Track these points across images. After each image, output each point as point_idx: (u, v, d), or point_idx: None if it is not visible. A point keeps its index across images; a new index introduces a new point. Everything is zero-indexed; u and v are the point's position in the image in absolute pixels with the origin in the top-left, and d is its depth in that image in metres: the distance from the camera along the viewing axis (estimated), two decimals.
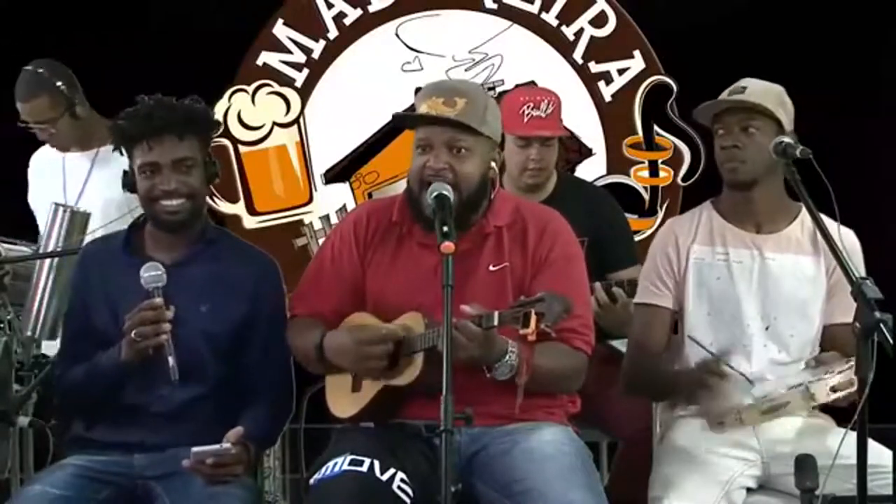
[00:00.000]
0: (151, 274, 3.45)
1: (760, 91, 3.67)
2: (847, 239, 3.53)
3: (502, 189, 3.67)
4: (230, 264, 3.63)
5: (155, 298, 3.43)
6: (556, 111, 4.48)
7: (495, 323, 3.19)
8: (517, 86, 5.92)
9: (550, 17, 6.09)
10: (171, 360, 3.41)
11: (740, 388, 3.54)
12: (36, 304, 4.22)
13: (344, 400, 3.49)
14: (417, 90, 3.61)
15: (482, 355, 3.24)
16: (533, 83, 5.92)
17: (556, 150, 4.53)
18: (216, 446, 3.34)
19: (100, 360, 3.51)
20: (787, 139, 3.53)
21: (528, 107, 4.43)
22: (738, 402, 3.51)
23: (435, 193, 3.37)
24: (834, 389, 3.34)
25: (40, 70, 4.91)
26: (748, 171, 3.63)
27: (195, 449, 3.34)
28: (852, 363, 3.30)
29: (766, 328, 3.65)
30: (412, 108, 3.56)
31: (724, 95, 3.69)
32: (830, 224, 3.48)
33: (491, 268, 3.48)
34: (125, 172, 3.61)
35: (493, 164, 3.51)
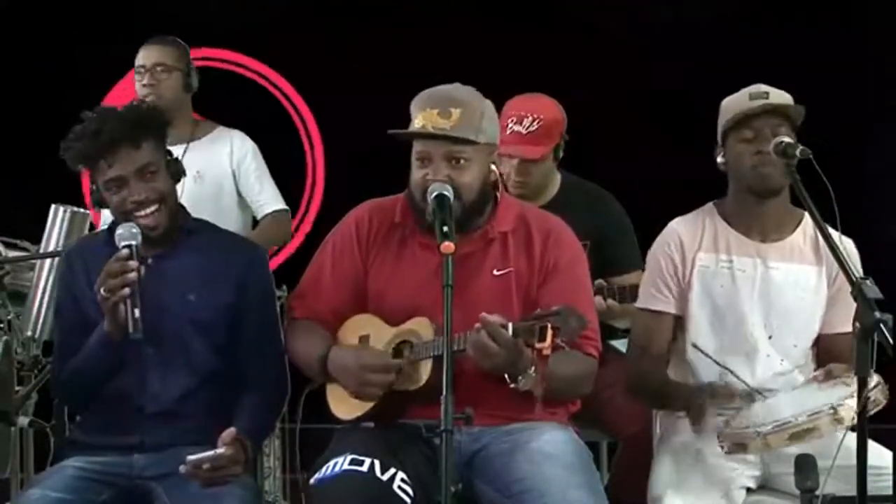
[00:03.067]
0: (123, 232, 3.41)
1: (780, 95, 3.65)
2: (847, 248, 3.53)
3: (507, 194, 3.67)
4: (214, 253, 3.61)
5: (121, 251, 3.39)
6: (542, 128, 4.36)
7: (509, 334, 3.18)
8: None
9: None
10: (135, 311, 3.33)
11: (751, 409, 3.48)
12: (36, 304, 4.23)
13: (346, 402, 3.49)
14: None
15: (511, 363, 3.22)
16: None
17: (545, 166, 4.46)
18: (211, 452, 3.32)
19: (89, 342, 3.48)
20: (786, 139, 3.53)
21: (511, 120, 4.35)
22: (757, 424, 3.38)
23: (435, 193, 3.37)
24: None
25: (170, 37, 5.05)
26: (779, 178, 3.58)
27: (190, 457, 3.32)
28: (873, 381, 3.23)
29: (770, 337, 3.64)
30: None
31: (743, 99, 3.64)
32: (831, 233, 3.47)
33: (495, 272, 3.47)
34: (92, 191, 3.58)
35: (492, 166, 3.51)
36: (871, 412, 3.21)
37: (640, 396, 3.84)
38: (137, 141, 3.47)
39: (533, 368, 3.24)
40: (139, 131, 3.48)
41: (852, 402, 3.23)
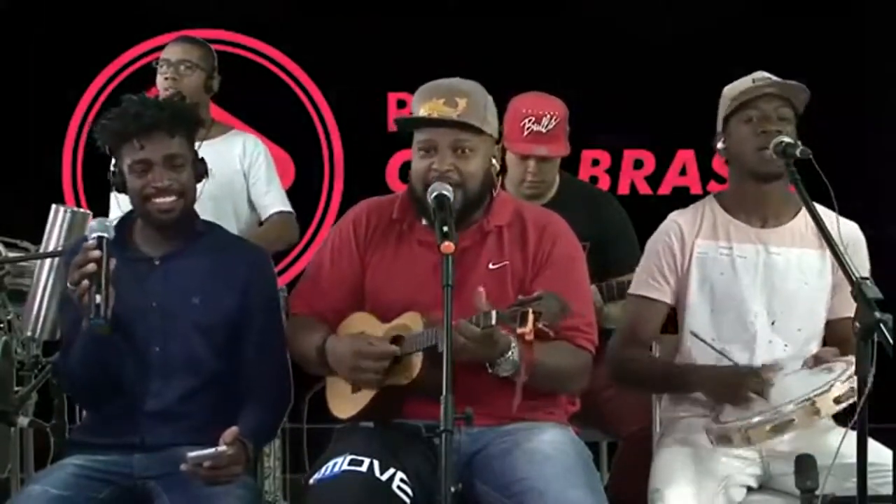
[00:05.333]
0: (94, 224, 3.41)
1: (784, 82, 3.64)
2: (851, 233, 3.53)
3: (503, 190, 3.67)
4: (220, 256, 3.61)
5: (88, 242, 3.37)
6: (559, 126, 4.41)
7: (493, 322, 3.19)
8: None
9: None
10: (97, 297, 3.28)
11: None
12: (36, 304, 4.23)
13: (344, 400, 3.49)
14: None
15: (483, 355, 3.25)
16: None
17: (557, 163, 4.50)
18: (212, 450, 3.31)
19: (79, 337, 3.47)
20: (786, 138, 3.52)
21: (529, 120, 4.37)
22: (744, 418, 3.42)
23: (434, 193, 3.37)
24: (837, 401, 3.30)
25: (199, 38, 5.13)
26: (780, 162, 3.54)
27: (191, 454, 3.31)
28: (852, 370, 3.28)
29: (773, 323, 3.64)
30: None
31: (746, 82, 3.63)
32: (832, 216, 3.45)
33: (491, 266, 3.48)
34: (113, 172, 3.59)
35: (493, 160, 3.52)
36: (846, 405, 3.27)
37: (624, 380, 3.82)
38: (172, 131, 3.52)
39: (511, 353, 3.26)
40: (175, 123, 3.53)
41: (830, 392, 3.28)
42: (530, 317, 3.12)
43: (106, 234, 3.37)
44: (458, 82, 3.50)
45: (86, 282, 3.30)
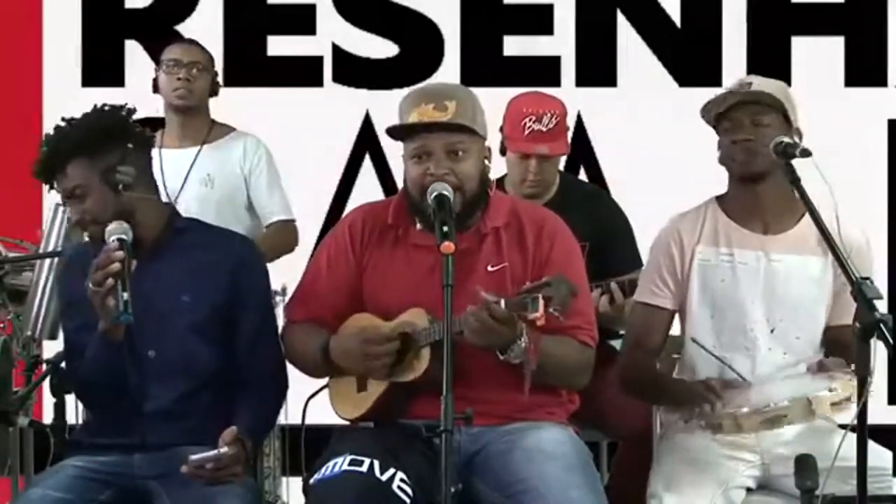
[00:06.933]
0: (112, 227, 3.43)
1: (766, 85, 3.64)
2: (854, 238, 3.53)
3: (498, 191, 3.68)
4: (204, 250, 3.60)
5: (109, 244, 3.39)
6: (560, 124, 4.40)
7: (502, 307, 3.21)
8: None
9: None
10: (123, 294, 3.32)
11: (739, 392, 3.51)
12: (36, 304, 4.23)
13: (350, 401, 3.50)
14: None
15: (505, 336, 3.26)
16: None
17: (558, 162, 4.50)
18: (213, 452, 3.32)
19: (89, 349, 3.48)
20: (786, 139, 3.52)
21: (529, 119, 4.36)
22: (736, 407, 3.46)
23: (434, 193, 3.38)
24: (834, 405, 3.32)
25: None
26: (759, 163, 3.56)
27: (193, 457, 3.32)
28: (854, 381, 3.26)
29: (772, 331, 3.63)
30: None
31: (725, 93, 3.65)
32: (832, 218, 3.45)
33: (490, 268, 3.48)
34: None
35: (485, 161, 3.53)
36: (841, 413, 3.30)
37: (632, 389, 3.83)
38: (63, 166, 3.50)
39: (523, 339, 3.27)
40: (63, 155, 3.49)
41: (827, 395, 3.32)
42: (541, 302, 3.15)
43: (124, 236, 3.40)
44: (444, 86, 3.57)
45: (111, 280, 3.32)
